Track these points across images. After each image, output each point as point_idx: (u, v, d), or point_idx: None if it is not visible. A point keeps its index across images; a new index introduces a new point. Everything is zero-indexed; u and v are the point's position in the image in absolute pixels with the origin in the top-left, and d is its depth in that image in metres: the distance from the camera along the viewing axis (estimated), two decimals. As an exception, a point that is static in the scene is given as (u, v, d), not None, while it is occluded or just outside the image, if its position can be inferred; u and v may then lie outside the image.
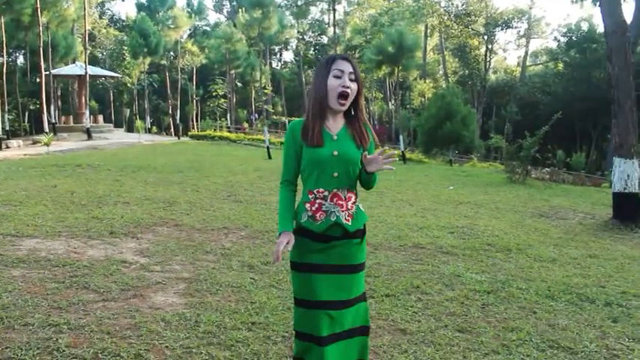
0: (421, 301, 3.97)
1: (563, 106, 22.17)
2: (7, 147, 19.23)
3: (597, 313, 3.86)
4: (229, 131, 30.49)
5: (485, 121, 39.51)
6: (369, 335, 2.41)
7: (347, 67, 2.21)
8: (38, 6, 23.17)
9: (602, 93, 26.04)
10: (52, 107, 26.19)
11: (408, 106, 41.82)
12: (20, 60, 35.10)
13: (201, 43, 40.87)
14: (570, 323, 3.63)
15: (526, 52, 44.87)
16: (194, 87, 41.79)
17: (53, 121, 25.70)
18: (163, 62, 39.18)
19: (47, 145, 17.92)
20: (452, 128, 20.09)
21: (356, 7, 48.88)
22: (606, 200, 9.36)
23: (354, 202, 2.27)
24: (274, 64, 50.94)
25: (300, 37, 48.63)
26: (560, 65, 39.80)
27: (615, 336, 3.45)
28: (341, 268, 2.23)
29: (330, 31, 44.47)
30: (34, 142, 21.12)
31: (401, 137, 20.67)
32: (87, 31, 27.35)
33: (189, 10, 41.79)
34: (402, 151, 18.69)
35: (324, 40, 48.80)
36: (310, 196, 2.23)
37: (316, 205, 2.22)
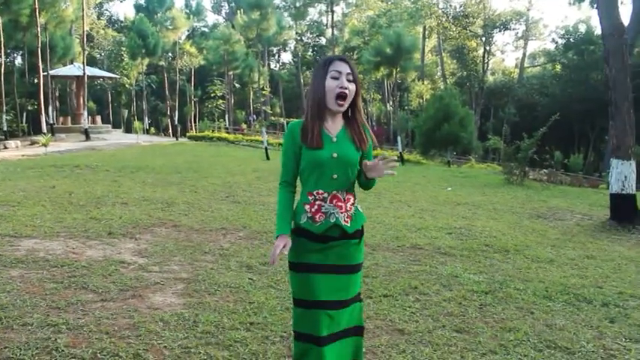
0: (419, 301, 3.98)
1: (560, 108, 22.23)
2: (5, 147, 19.17)
3: (594, 313, 3.88)
4: (227, 132, 30.43)
5: (483, 123, 39.62)
6: (364, 336, 2.42)
7: (344, 68, 2.22)
8: (36, 6, 23.12)
9: (599, 95, 26.11)
10: (50, 108, 26.16)
11: (406, 108, 41.90)
12: (18, 60, 35.10)
13: (199, 44, 40.90)
14: (567, 323, 3.65)
15: (524, 54, 45.08)
16: (192, 88, 41.82)
17: (51, 121, 25.66)
18: (162, 63, 39.22)
19: (45, 145, 17.91)
20: (450, 129, 20.13)
21: (354, 8, 48.94)
22: (604, 201, 9.39)
23: (353, 204, 2.28)
24: (272, 66, 50.98)
25: (299, 38, 48.67)
26: (558, 67, 39.93)
27: (612, 336, 3.47)
28: (339, 268, 2.24)
29: (329, 32, 44.55)
30: (32, 143, 21.06)
31: (399, 138, 20.72)
32: (85, 32, 27.29)
33: (188, 11, 41.86)
34: (400, 153, 18.71)
35: (323, 41, 48.84)
36: (310, 198, 2.23)
37: (316, 207, 2.22)
